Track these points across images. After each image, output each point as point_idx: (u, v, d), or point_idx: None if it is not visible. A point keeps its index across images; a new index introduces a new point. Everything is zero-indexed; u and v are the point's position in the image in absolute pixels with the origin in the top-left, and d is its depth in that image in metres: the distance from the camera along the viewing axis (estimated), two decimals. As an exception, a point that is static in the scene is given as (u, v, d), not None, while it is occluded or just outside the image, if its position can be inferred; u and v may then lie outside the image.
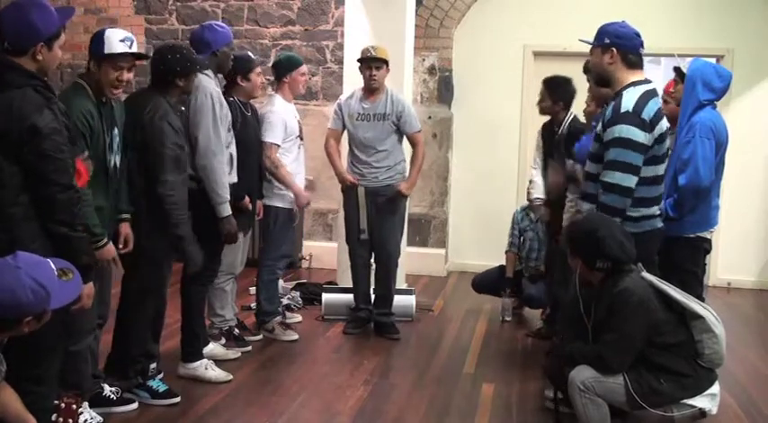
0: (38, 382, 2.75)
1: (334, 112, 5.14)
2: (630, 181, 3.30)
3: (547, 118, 4.98)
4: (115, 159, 3.35)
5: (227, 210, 3.98)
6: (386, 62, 4.95)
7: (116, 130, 3.36)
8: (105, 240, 3.20)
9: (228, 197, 3.98)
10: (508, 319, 5.51)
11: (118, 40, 3.25)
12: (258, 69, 4.57)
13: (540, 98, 4.89)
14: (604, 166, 3.36)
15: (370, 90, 4.99)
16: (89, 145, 3.16)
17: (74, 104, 3.13)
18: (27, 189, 2.67)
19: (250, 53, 4.75)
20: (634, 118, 3.29)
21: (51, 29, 2.75)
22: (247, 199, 4.42)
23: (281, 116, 4.74)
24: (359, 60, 4.98)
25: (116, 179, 3.39)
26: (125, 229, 3.50)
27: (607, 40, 3.41)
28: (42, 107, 2.66)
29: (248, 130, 4.47)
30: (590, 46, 3.50)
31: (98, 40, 3.27)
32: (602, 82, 3.60)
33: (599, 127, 3.46)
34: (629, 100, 3.33)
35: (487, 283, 5.74)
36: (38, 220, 2.69)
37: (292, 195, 4.82)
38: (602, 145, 3.40)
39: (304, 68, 4.99)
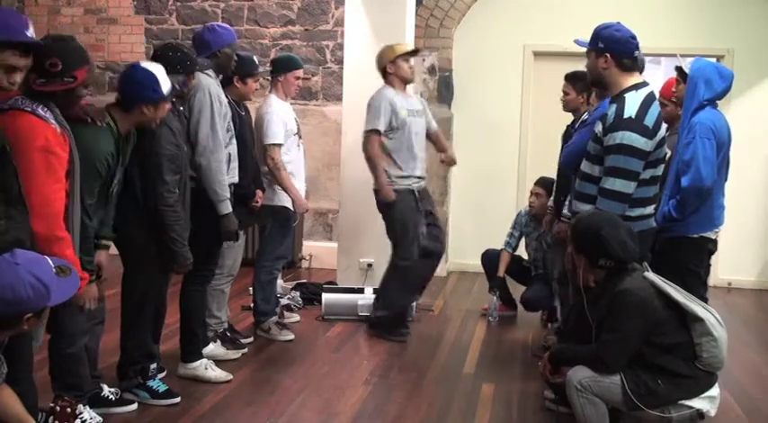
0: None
1: (383, 108, 4.83)
2: (630, 187, 3.33)
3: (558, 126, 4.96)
4: (116, 186, 3.32)
5: (227, 207, 3.97)
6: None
7: (122, 158, 3.34)
8: (93, 278, 3.12)
9: (228, 195, 3.98)
10: (491, 319, 5.47)
11: (165, 77, 3.32)
12: (257, 75, 4.58)
13: (563, 93, 4.82)
14: (605, 172, 3.37)
15: (406, 84, 5.04)
16: (101, 179, 3.16)
17: (99, 147, 3.13)
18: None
19: (255, 58, 4.67)
20: (637, 124, 3.30)
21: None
22: (259, 192, 4.54)
23: (278, 115, 4.76)
24: (407, 53, 4.97)
25: (112, 202, 3.35)
26: (101, 256, 3.30)
27: (601, 45, 3.41)
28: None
29: (243, 129, 4.48)
30: (585, 48, 3.51)
31: (151, 83, 3.26)
32: (597, 83, 3.64)
33: (598, 128, 3.45)
34: (631, 106, 3.33)
35: (492, 259, 5.67)
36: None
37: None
38: (602, 147, 3.40)
39: (300, 72, 4.95)
